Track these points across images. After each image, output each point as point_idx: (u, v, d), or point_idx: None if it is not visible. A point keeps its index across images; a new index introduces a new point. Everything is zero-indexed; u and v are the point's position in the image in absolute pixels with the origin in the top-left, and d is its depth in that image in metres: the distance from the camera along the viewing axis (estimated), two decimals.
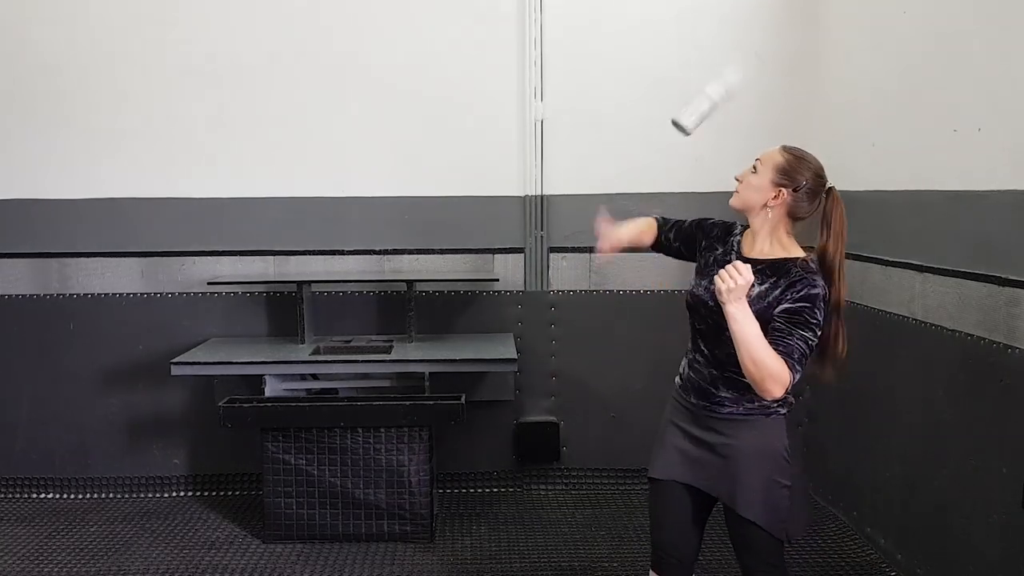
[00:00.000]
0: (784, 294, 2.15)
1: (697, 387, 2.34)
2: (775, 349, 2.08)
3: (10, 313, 4.32)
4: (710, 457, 2.31)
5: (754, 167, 2.27)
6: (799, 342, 2.09)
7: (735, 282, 2.05)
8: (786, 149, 2.27)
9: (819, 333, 2.14)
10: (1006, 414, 2.72)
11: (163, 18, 4.16)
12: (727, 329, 2.10)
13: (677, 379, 2.45)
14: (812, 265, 2.21)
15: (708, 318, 2.27)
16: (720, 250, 2.37)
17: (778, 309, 2.14)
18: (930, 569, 3.20)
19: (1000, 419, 2.76)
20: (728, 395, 2.28)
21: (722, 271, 2.08)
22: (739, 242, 2.35)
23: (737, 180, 2.30)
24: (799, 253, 2.25)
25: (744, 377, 2.14)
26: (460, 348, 4.01)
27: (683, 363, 2.43)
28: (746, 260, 2.22)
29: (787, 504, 2.27)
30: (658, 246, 2.55)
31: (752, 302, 2.13)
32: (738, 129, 4.19)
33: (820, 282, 2.16)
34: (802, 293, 2.14)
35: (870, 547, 3.64)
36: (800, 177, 2.23)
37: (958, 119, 2.97)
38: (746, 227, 2.35)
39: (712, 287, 2.17)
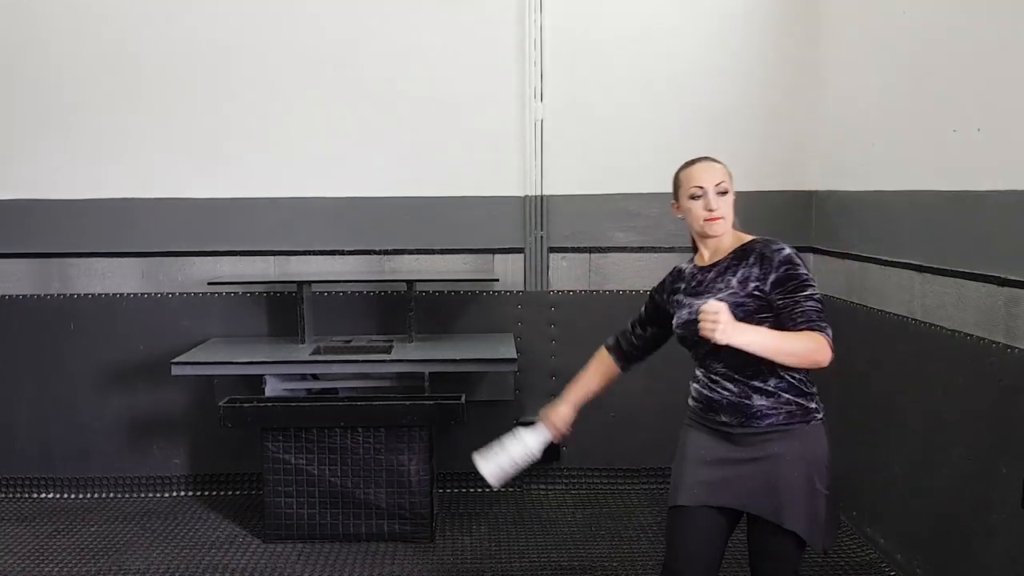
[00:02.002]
0: (763, 269, 2.21)
1: (728, 404, 2.26)
2: (797, 326, 2.14)
3: (11, 313, 4.32)
4: (749, 473, 2.24)
5: (724, 190, 2.28)
6: (808, 303, 2.16)
7: (719, 323, 2.02)
8: (708, 158, 2.34)
9: (814, 282, 2.20)
10: (1006, 414, 2.72)
11: (165, 19, 4.17)
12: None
13: (692, 402, 2.39)
14: (766, 237, 2.30)
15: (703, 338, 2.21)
16: (682, 286, 2.37)
17: (769, 286, 2.19)
18: (929, 569, 3.20)
19: (1000, 419, 2.76)
20: (765, 403, 2.22)
21: (701, 324, 2.04)
22: (694, 268, 2.38)
23: (713, 211, 2.26)
24: (747, 236, 2.32)
25: (770, 384, 2.21)
26: (460, 348, 4.01)
27: (695, 386, 2.37)
28: (711, 267, 2.30)
29: (823, 513, 2.23)
30: (630, 361, 2.54)
31: (740, 290, 2.19)
32: (738, 129, 4.21)
33: (783, 244, 2.25)
34: (777, 260, 2.20)
35: (870, 547, 3.64)
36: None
37: (958, 119, 2.97)
38: (692, 255, 2.41)
39: (694, 312, 2.21)
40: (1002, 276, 2.73)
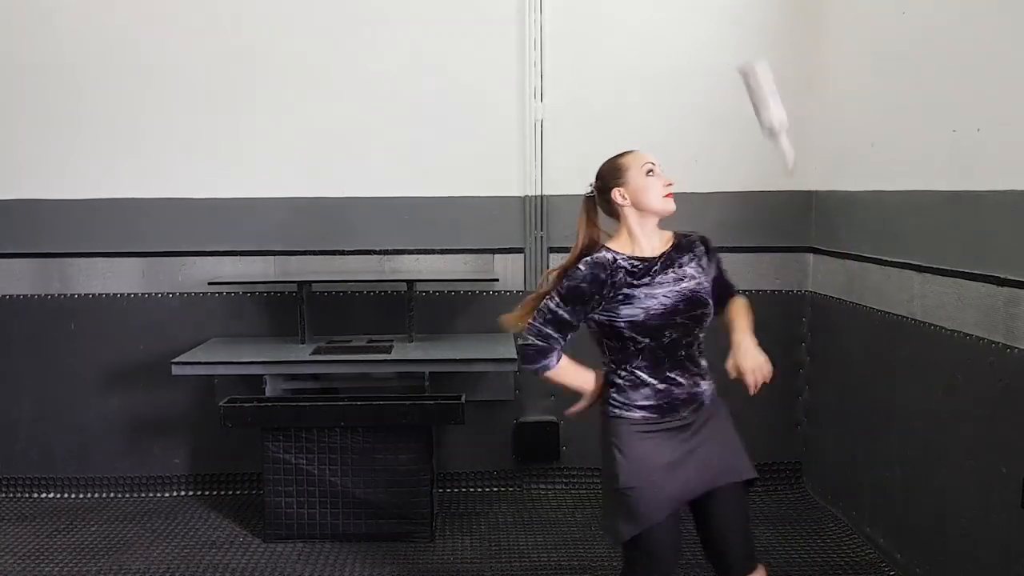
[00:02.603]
0: (710, 257, 2.41)
1: (687, 397, 2.34)
2: (732, 294, 2.47)
3: (11, 313, 4.32)
4: (707, 452, 2.33)
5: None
6: (728, 274, 2.50)
7: (766, 370, 2.28)
8: (638, 150, 2.43)
9: None
10: (1006, 414, 2.73)
11: (165, 20, 4.17)
12: (703, 320, 2.33)
13: (638, 412, 2.32)
14: (688, 230, 2.47)
15: (684, 323, 2.31)
16: (629, 279, 2.31)
17: (714, 270, 2.42)
18: (929, 568, 3.20)
19: (1000, 419, 2.76)
20: (706, 384, 2.39)
21: (755, 380, 2.26)
22: (631, 259, 2.34)
23: (670, 185, 2.37)
24: (667, 231, 2.44)
25: (703, 365, 2.39)
26: (460, 348, 4.01)
27: (645, 394, 2.32)
28: (657, 258, 2.34)
29: None
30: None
31: (704, 278, 2.36)
32: (737, 129, 4.20)
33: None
34: (712, 246, 2.44)
35: (869, 546, 3.65)
36: None
37: (958, 119, 2.97)
38: (606, 246, 2.40)
39: (670, 296, 2.30)
40: (1002, 276, 2.73)
